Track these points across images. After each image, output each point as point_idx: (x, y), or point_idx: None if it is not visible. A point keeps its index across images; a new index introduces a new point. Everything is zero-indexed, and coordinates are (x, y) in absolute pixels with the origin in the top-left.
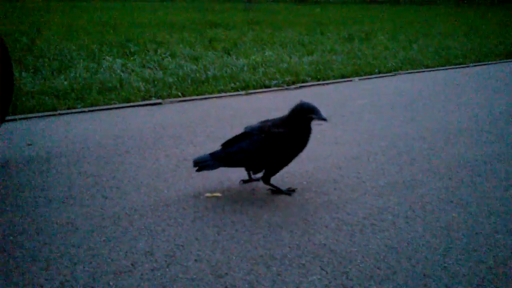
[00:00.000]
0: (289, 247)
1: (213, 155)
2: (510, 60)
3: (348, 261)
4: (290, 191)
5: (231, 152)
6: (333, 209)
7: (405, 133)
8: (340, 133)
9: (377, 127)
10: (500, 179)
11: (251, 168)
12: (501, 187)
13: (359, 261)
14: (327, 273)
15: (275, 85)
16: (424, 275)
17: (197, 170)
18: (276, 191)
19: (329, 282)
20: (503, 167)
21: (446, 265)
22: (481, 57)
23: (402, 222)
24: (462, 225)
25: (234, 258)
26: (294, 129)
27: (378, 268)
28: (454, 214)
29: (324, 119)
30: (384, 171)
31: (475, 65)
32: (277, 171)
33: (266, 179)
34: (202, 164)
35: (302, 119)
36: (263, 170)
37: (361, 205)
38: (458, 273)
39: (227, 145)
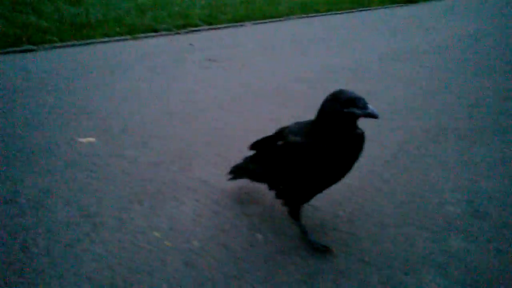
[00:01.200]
0: (164, 183)
1: (245, 162)
2: (392, 5)
3: (219, 190)
4: (324, 247)
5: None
6: (215, 146)
7: (288, 74)
8: (229, 76)
9: (267, 69)
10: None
11: (273, 187)
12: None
13: (229, 189)
14: (199, 202)
15: (165, 30)
16: None
17: (229, 179)
18: (304, 235)
19: (201, 211)
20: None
21: None
22: (365, 2)
23: None
24: None
25: (106, 198)
26: (324, 136)
27: (247, 194)
28: None
29: (374, 115)
30: (266, 109)
31: (361, 11)
32: (305, 200)
33: (291, 210)
34: (235, 171)
35: (336, 118)
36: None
37: (240, 140)
38: None
39: (256, 147)
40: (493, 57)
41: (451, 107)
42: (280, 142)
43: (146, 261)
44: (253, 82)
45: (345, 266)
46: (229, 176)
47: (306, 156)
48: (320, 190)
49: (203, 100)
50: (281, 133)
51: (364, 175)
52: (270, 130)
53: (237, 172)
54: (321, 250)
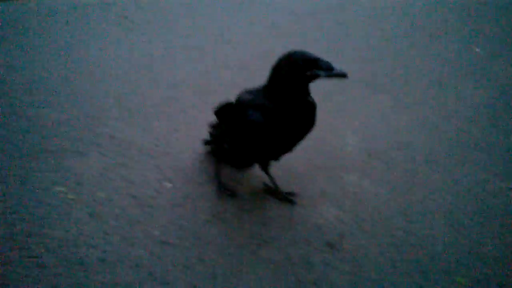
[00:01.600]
0: (69, 139)
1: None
2: None
3: (127, 143)
4: (290, 195)
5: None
6: (124, 102)
7: (212, 34)
8: (142, 34)
9: (190, 29)
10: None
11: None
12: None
13: (139, 143)
14: (105, 157)
15: None
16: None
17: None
18: (271, 189)
19: (108, 165)
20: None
21: None
22: None
23: (190, 108)
24: None
25: (4, 158)
26: (277, 102)
27: (156, 146)
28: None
29: (343, 74)
30: (181, 65)
31: None
32: (247, 164)
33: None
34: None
35: (296, 81)
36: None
37: (151, 96)
38: None
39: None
40: (397, 13)
41: (358, 60)
42: (239, 116)
43: (48, 215)
44: (174, 41)
45: (250, 205)
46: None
47: (266, 129)
48: (268, 157)
49: (115, 60)
50: (238, 104)
51: None
52: (186, 89)
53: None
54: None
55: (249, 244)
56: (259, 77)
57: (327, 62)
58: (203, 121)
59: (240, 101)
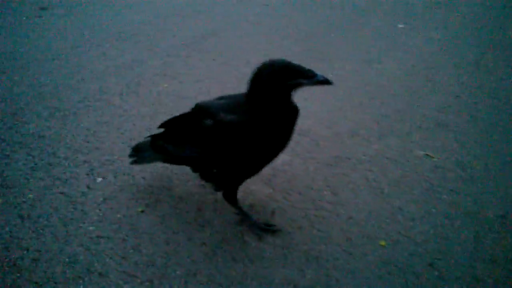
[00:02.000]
0: None
1: (153, 142)
2: None
3: (55, 142)
4: (268, 227)
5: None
6: (47, 99)
7: (133, 18)
8: (65, 24)
9: (108, 14)
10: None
11: (201, 171)
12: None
13: (68, 140)
14: (33, 157)
15: None
16: (131, 139)
17: (131, 163)
18: (244, 218)
19: (36, 165)
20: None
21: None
22: None
23: (117, 99)
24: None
25: None
26: (262, 112)
27: (87, 142)
28: (166, 85)
29: (327, 81)
30: (106, 55)
31: None
32: (242, 181)
33: (227, 194)
34: (140, 154)
35: (279, 91)
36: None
37: (77, 90)
38: None
39: (168, 127)
40: None
41: (291, 39)
42: (209, 122)
43: None
44: (95, 26)
45: (183, 193)
46: (132, 159)
47: (245, 136)
48: (259, 169)
49: (29, 52)
50: (202, 111)
51: None
52: (105, 76)
53: (144, 154)
54: (270, 231)
55: (184, 230)
56: None
57: (309, 70)
58: (133, 111)
59: (206, 106)
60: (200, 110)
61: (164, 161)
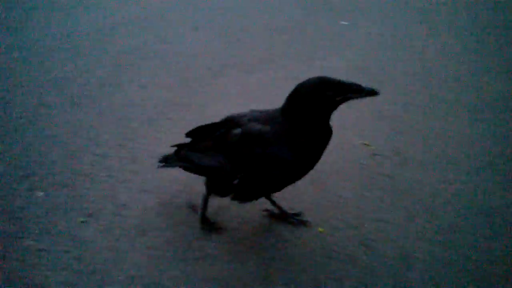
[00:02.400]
0: None
1: (178, 150)
2: None
3: None
4: (298, 218)
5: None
6: None
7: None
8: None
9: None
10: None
11: (220, 182)
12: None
13: (6, 154)
14: None
15: None
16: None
17: (158, 167)
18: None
19: None
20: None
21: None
22: None
23: (59, 112)
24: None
25: None
26: (299, 127)
27: (25, 156)
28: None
29: (375, 92)
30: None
31: None
32: (260, 196)
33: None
34: (167, 161)
35: (322, 107)
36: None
37: (12, 100)
38: None
39: (195, 135)
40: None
41: (236, 51)
42: (237, 131)
43: None
44: (52, 41)
45: (126, 200)
46: (160, 164)
47: (274, 148)
48: (282, 186)
49: None
50: (231, 121)
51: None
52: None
53: (169, 161)
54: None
55: (127, 236)
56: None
57: (355, 83)
58: (74, 122)
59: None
60: (230, 120)
61: (185, 169)
